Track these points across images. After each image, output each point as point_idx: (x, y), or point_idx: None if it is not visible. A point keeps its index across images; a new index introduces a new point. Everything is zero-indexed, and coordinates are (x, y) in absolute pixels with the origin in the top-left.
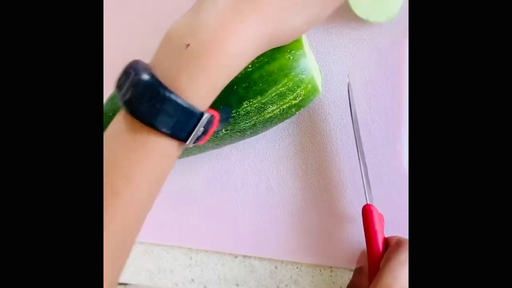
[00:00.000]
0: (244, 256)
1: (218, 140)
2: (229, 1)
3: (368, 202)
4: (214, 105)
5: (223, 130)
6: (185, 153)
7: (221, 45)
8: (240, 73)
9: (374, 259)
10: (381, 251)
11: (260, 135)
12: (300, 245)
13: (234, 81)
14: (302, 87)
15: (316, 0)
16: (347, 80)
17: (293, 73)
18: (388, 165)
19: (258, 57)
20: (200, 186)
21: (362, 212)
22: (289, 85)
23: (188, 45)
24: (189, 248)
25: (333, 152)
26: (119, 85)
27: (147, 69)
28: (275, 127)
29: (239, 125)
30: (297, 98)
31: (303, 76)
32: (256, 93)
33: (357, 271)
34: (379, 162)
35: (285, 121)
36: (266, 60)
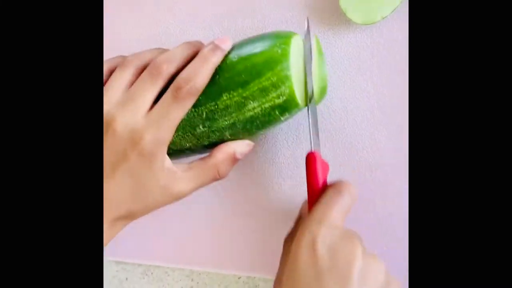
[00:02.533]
0: (248, 277)
1: (195, 139)
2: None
3: (314, 149)
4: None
5: (201, 127)
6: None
7: None
8: (225, 63)
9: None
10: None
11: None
12: None
13: (217, 70)
14: (286, 85)
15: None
16: (306, 22)
17: (278, 68)
18: (390, 170)
19: (246, 51)
20: (200, 206)
21: (306, 160)
22: (273, 80)
23: None
24: (191, 270)
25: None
26: None
27: None
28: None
29: (218, 122)
30: (281, 97)
31: (289, 73)
32: (237, 85)
33: (298, 220)
34: (382, 162)
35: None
36: (253, 52)
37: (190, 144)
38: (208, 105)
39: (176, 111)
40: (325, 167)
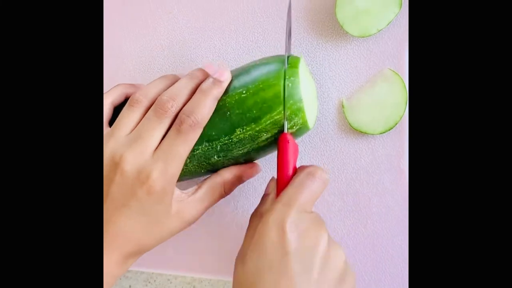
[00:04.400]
0: None
1: (211, 167)
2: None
3: (286, 131)
4: (206, 132)
5: (215, 157)
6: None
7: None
8: (234, 99)
9: (283, 187)
10: (290, 179)
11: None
12: None
13: (228, 107)
14: (299, 116)
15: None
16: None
17: (291, 102)
18: (388, 172)
19: (253, 83)
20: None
21: (278, 141)
22: (286, 114)
23: None
24: (192, 277)
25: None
26: None
27: None
28: None
29: (232, 152)
30: (294, 127)
31: (301, 104)
32: (250, 121)
33: (264, 198)
34: (379, 164)
35: None
36: (261, 86)
37: (206, 170)
38: (222, 139)
39: (181, 146)
40: (296, 149)
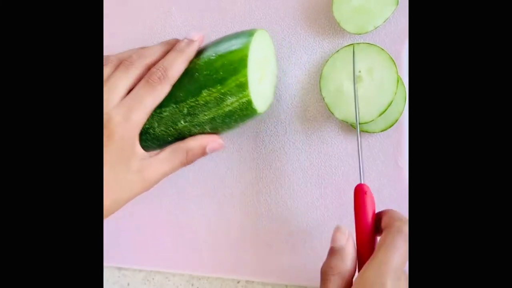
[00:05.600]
0: (247, 281)
1: (177, 133)
2: None
3: (363, 181)
4: (174, 93)
5: (182, 121)
6: (146, 144)
7: None
8: (203, 61)
9: (364, 240)
10: (370, 230)
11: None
12: (305, 269)
13: (197, 68)
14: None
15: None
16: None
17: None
18: (387, 175)
19: (223, 48)
20: (199, 213)
21: (355, 192)
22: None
23: None
24: (191, 275)
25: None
26: None
27: None
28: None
29: (198, 117)
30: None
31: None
32: (216, 82)
33: (334, 252)
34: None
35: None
36: (229, 50)
37: (173, 138)
38: (188, 101)
39: (148, 96)
40: (372, 199)
